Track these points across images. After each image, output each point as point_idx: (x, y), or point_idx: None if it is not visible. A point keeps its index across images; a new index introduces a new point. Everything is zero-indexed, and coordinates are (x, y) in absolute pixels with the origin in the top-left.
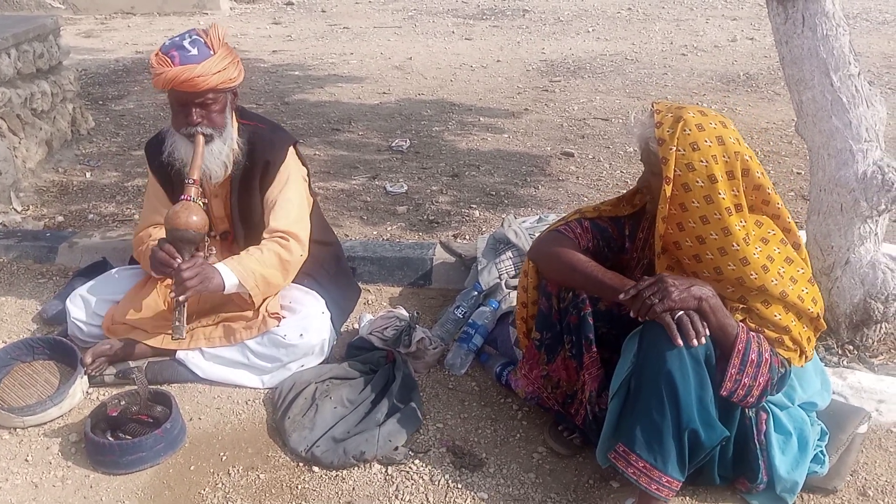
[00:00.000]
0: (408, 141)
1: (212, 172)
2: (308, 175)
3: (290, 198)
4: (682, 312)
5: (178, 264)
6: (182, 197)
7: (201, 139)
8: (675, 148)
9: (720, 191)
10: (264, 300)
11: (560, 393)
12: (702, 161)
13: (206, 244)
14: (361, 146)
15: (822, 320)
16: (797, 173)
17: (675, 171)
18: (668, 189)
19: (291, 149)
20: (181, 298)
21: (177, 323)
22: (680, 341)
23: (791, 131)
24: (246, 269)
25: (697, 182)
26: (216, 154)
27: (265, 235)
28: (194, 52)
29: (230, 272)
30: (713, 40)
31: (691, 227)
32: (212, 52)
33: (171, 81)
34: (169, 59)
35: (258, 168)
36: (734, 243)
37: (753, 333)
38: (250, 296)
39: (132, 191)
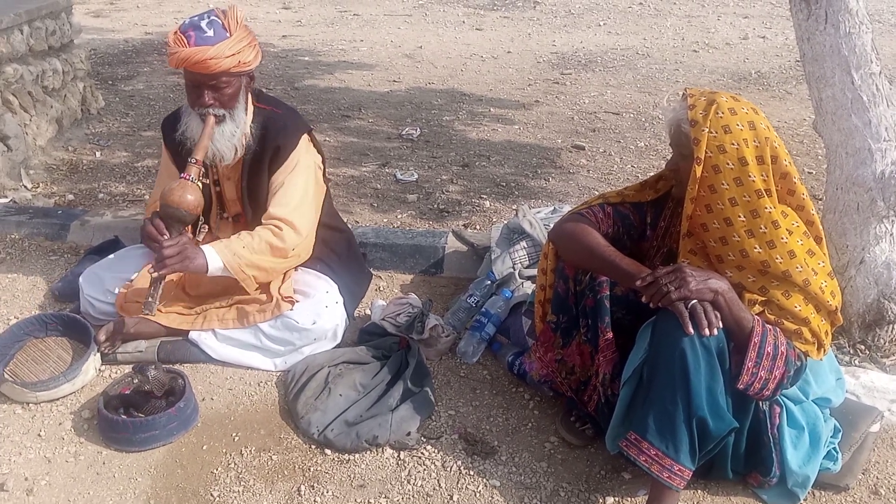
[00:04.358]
0: (418, 129)
1: (221, 154)
2: (323, 162)
3: (296, 184)
4: (695, 302)
5: (163, 241)
6: (182, 175)
7: (211, 120)
8: (707, 129)
9: (750, 173)
10: (268, 284)
11: (574, 379)
12: (733, 144)
13: (200, 224)
14: (372, 133)
15: (839, 314)
16: (808, 173)
17: (706, 152)
18: (698, 170)
19: (305, 136)
20: (156, 275)
21: (149, 299)
22: (691, 329)
23: (803, 131)
24: (233, 253)
25: (728, 164)
26: (227, 136)
27: (263, 220)
28: (210, 33)
29: (216, 254)
30: (725, 37)
31: (719, 209)
32: (228, 35)
33: (184, 62)
34: (185, 39)
35: (268, 152)
36: (762, 226)
37: (770, 327)
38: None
39: (142, 171)
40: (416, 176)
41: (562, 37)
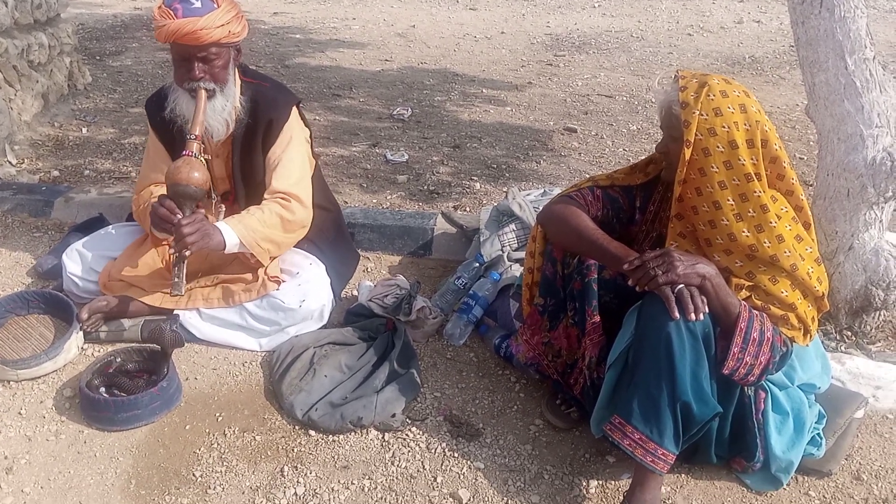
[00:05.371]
0: (409, 109)
1: (213, 129)
2: (311, 137)
3: (293, 158)
4: (682, 286)
5: (179, 220)
6: (184, 153)
7: (203, 94)
8: (698, 112)
9: (740, 157)
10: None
11: (560, 362)
12: (724, 126)
13: (215, 202)
14: (362, 113)
15: (825, 301)
16: (800, 158)
17: (696, 134)
18: (687, 152)
19: (295, 109)
20: (182, 254)
21: (176, 279)
22: (677, 314)
23: (795, 116)
24: (247, 228)
25: (718, 147)
26: (218, 111)
27: (266, 196)
28: (197, 4)
29: (231, 231)
30: (719, 21)
31: (708, 192)
32: (215, 6)
33: (174, 34)
34: (172, 12)
35: (261, 127)
36: (751, 209)
37: (756, 312)
38: (253, 256)
39: (129, 148)
40: (407, 156)
41: (556, 18)
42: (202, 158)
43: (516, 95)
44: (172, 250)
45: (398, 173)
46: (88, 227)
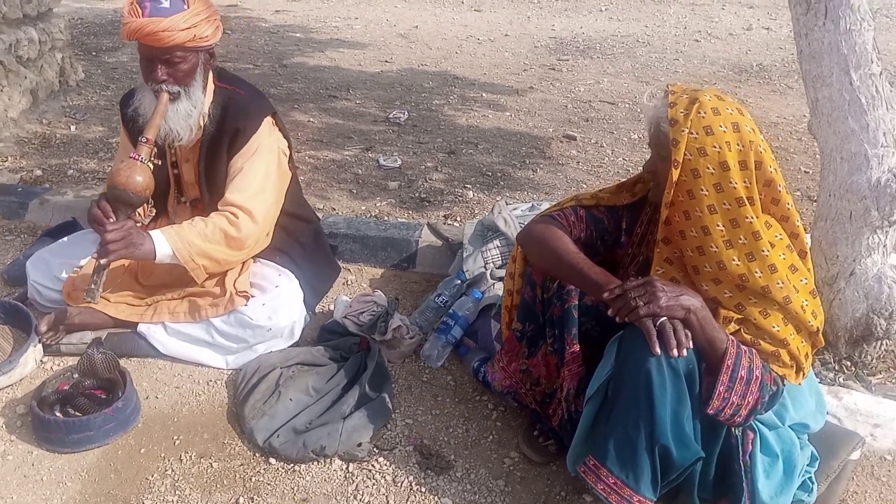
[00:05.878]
0: (406, 113)
1: (176, 134)
2: (289, 147)
3: (255, 170)
4: (664, 319)
5: (107, 225)
6: (131, 155)
7: (165, 97)
8: (687, 130)
9: (732, 179)
10: (224, 276)
11: (539, 391)
12: (715, 146)
13: (149, 207)
14: (358, 115)
15: (820, 336)
16: (805, 172)
17: (685, 154)
18: (675, 173)
19: (268, 119)
20: (102, 262)
21: (92, 286)
22: (658, 349)
23: (802, 127)
24: (183, 241)
25: (708, 168)
26: (182, 115)
27: (219, 206)
28: (165, 4)
29: (165, 241)
30: (728, 27)
31: (697, 217)
32: (185, 7)
33: (135, 33)
34: (140, 9)
35: (227, 134)
36: (742, 236)
37: (745, 348)
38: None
39: (116, 147)
40: (400, 162)
41: (562, 21)
42: (149, 164)
43: (516, 100)
44: (95, 254)
45: (390, 179)
46: (61, 231)
